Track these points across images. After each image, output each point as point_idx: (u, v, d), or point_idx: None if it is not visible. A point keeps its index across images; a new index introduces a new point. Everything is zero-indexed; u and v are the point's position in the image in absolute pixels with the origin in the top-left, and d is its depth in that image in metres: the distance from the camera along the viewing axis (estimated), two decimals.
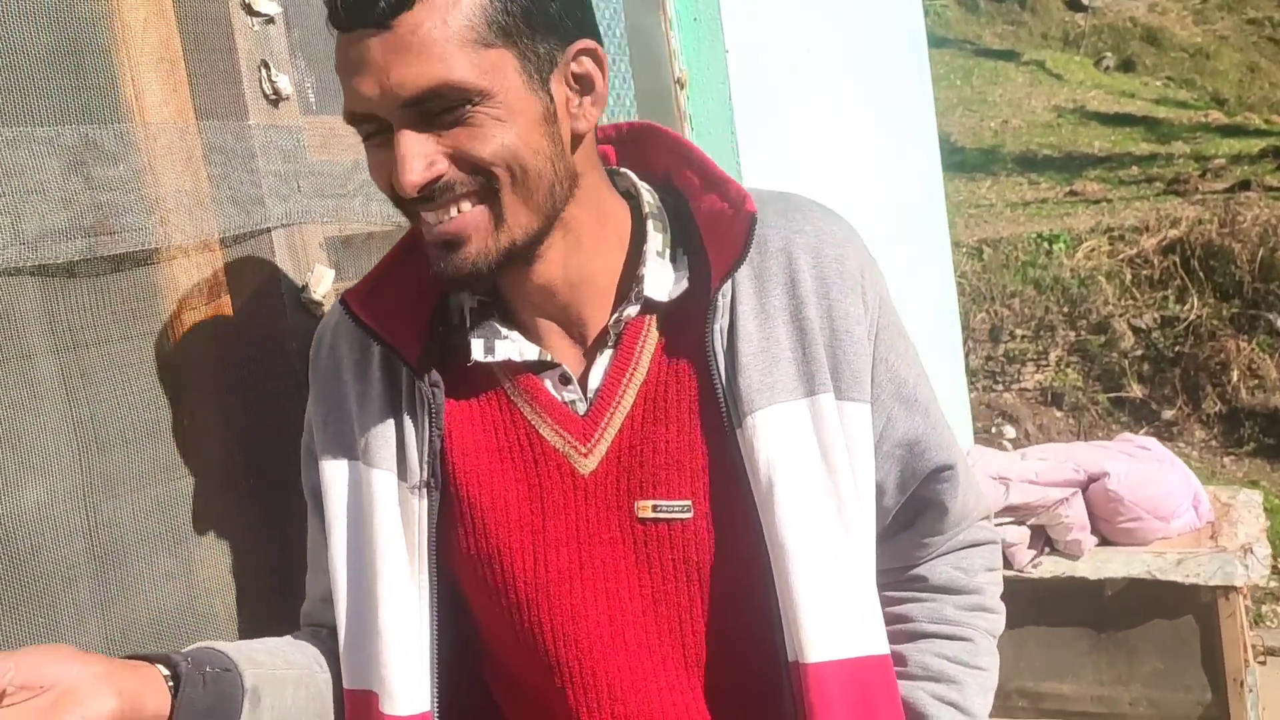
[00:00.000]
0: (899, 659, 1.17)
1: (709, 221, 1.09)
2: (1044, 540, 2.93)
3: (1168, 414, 8.55)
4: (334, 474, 1.14)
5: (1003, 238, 9.82)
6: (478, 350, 1.10)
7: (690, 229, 1.12)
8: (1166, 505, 2.84)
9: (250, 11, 1.36)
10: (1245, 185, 10.10)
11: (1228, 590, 2.70)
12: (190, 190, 1.30)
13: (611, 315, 1.10)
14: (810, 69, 2.59)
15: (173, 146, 1.30)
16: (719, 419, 1.07)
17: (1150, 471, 2.86)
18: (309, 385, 1.21)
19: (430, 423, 1.09)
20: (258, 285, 1.39)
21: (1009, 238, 9.89)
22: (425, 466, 1.09)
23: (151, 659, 1.01)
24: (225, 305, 1.36)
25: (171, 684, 1.00)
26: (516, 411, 1.12)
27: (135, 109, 1.29)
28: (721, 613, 1.09)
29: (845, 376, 1.08)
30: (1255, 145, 11.95)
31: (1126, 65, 15.13)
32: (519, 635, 1.12)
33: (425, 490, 1.09)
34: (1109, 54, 15.22)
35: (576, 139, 1.05)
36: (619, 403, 1.10)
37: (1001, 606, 1.25)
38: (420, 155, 0.97)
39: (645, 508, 1.08)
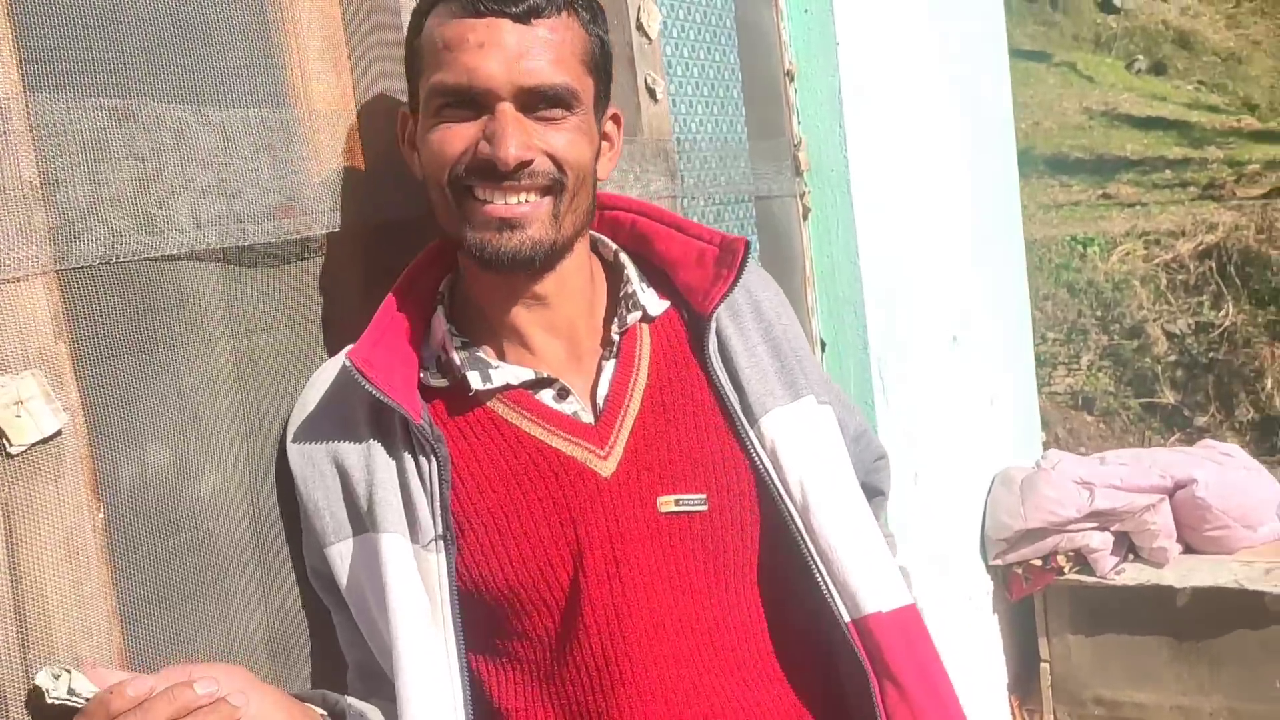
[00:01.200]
0: None
1: (682, 256, 1.24)
2: (1127, 547, 2.89)
3: (1200, 420, 8.48)
4: (347, 551, 1.13)
5: (1035, 240, 9.74)
6: (475, 380, 1.14)
7: (649, 271, 1.26)
8: (1255, 514, 2.80)
9: None
10: None
11: None
12: (360, 175, 1.28)
13: (611, 327, 1.20)
14: (913, 65, 2.56)
15: (337, 129, 1.28)
16: (723, 419, 1.19)
17: (1238, 479, 2.83)
18: (290, 477, 1.17)
19: (439, 476, 1.10)
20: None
21: (1041, 240, 9.83)
22: (439, 521, 1.09)
23: (302, 698, 1.09)
24: (383, 293, 1.34)
25: None
26: (520, 432, 1.15)
27: (300, 91, 1.26)
28: (739, 595, 1.17)
29: (815, 384, 1.25)
30: None
31: (1158, 68, 15.03)
32: (565, 646, 1.13)
33: (440, 544, 1.09)
34: (1141, 56, 15.12)
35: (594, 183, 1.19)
36: (628, 406, 1.17)
37: None
38: (522, 135, 1.07)
39: (668, 502, 1.14)
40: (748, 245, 1.21)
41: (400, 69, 1.37)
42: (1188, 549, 2.88)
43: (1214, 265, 8.97)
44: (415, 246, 1.39)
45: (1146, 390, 8.60)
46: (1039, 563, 2.88)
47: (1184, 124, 13.28)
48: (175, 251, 1.07)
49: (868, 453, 1.38)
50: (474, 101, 1.07)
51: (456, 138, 1.08)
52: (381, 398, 1.08)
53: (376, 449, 1.12)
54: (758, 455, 1.17)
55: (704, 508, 1.14)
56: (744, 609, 1.16)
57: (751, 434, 1.17)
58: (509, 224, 1.09)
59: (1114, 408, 8.70)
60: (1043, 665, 3.01)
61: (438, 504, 1.09)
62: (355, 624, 1.15)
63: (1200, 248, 9.20)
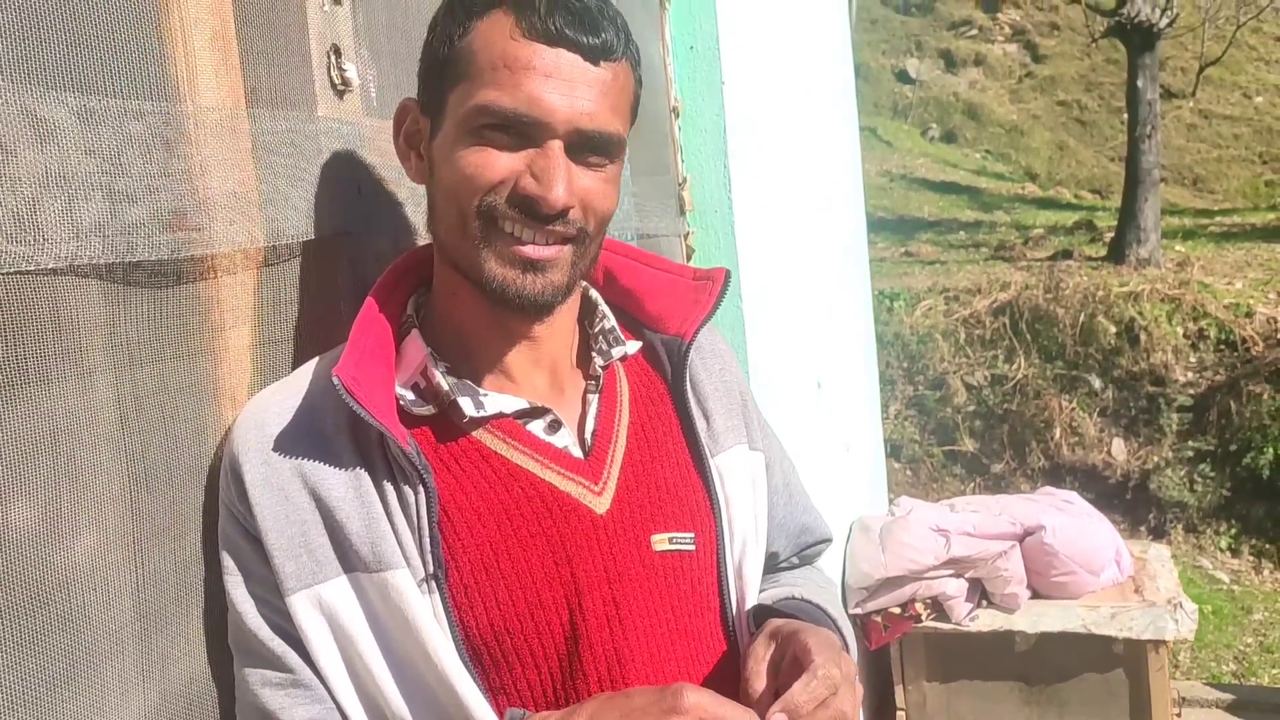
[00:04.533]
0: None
1: (650, 287, 1.22)
2: (979, 593, 2.93)
3: (996, 468, 8.92)
4: (331, 594, 1.02)
5: None
6: (468, 407, 1.08)
7: (610, 307, 1.24)
8: (1097, 559, 2.89)
9: None
10: (1066, 254, 10.75)
11: (1158, 644, 2.76)
12: (261, 188, 1.11)
13: (594, 361, 1.16)
14: (786, 112, 2.55)
15: (232, 137, 1.11)
16: (698, 453, 1.18)
17: (1081, 525, 2.91)
18: (234, 517, 1.04)
19: (427, 510, 1.03)
20: (317, 300, 1.21)
21: None
22: (429, 558, 1.02)
23: None
24: (281, 322, 1.17)
25: None
26: (511, 465, 1.08)
27: (185, 90, 1.09)
28: (717, 639, 1.15)
29: (753, 431, 1.26)
30: (1069, 218, 12.81)
31: (949, 137, 16.00)
32: (562, 692, 1.06)
33: (434, 583, 1.02)
34: (934, 125, 16.07)
35: None
36: (615, 443, 1.14)
37: None
38: (570, 179, 1.02)
39: (662, 540, 1.11)
40: (728, 274, 1.21)
41: (301, 70, 1.22)
42: (1035, 594, 2.94)
43: (1007, 322, 9.46)
44: (322, 269, 1.23)
45: (948, 439, 8.98)
46: (897, 610, 2.89)
47: (974, 189, 14.15)
48: (52, 265, 0.89)
49: (793, 503, 1.36)
50: (523, 130, 1.01)
51: (497, 164, 1.01)
52: (373, 422, 0.99)
53: (364, 479, 1.02)
54: (718, 489, 1.17)
55: (693, 547, 1.13)
56: (727, 653, 1.15)
57: (712, 464, 1.17)
58: (534, 266, 1.04)
59: (919, 455, 9.04)
60: (899, 714, 3.01)
61: (427, 540, 1.01)
62: (319, 676, 1.02)
63: (995, 305, 9.70)
